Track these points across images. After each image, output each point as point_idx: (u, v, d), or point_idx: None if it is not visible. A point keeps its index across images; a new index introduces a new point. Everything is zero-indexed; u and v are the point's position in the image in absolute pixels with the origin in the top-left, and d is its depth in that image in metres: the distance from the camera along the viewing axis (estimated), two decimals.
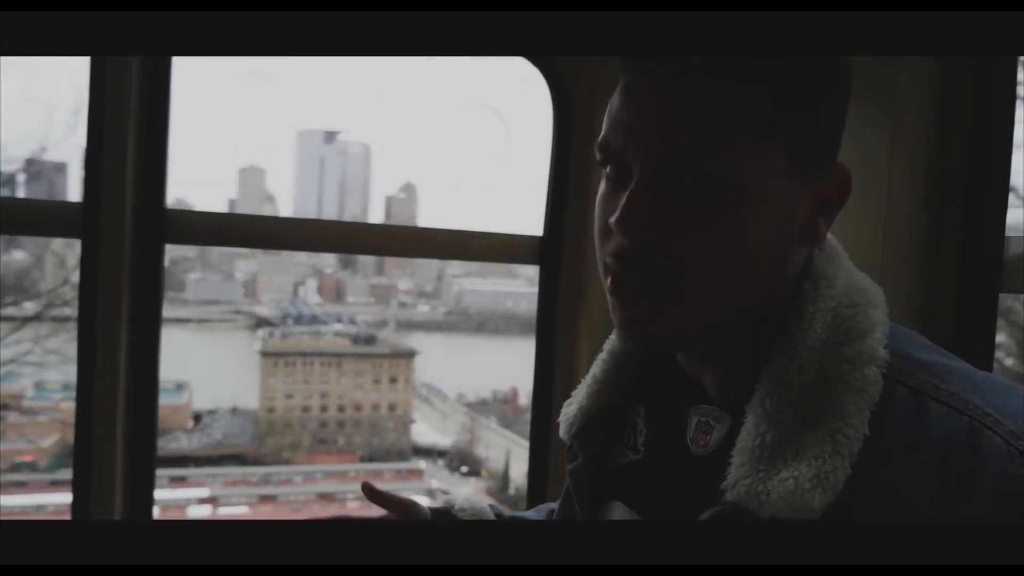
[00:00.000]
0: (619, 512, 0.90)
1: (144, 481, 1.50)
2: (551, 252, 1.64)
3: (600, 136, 0.76)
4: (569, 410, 0.95)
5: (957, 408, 0.66)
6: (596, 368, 0.95)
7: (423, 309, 48.18)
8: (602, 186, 0.78)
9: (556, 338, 1.63)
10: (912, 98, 1.15)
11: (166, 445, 31.14)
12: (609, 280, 0.76)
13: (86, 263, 1.46)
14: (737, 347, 0.79)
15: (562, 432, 0.96)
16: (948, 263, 1.14)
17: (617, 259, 0.73)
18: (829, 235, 0.80)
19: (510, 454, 34.92)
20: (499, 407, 40.37)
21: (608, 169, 0.76)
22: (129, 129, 1.42)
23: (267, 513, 28.30)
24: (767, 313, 0.76)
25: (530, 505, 1.65)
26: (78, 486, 1.47)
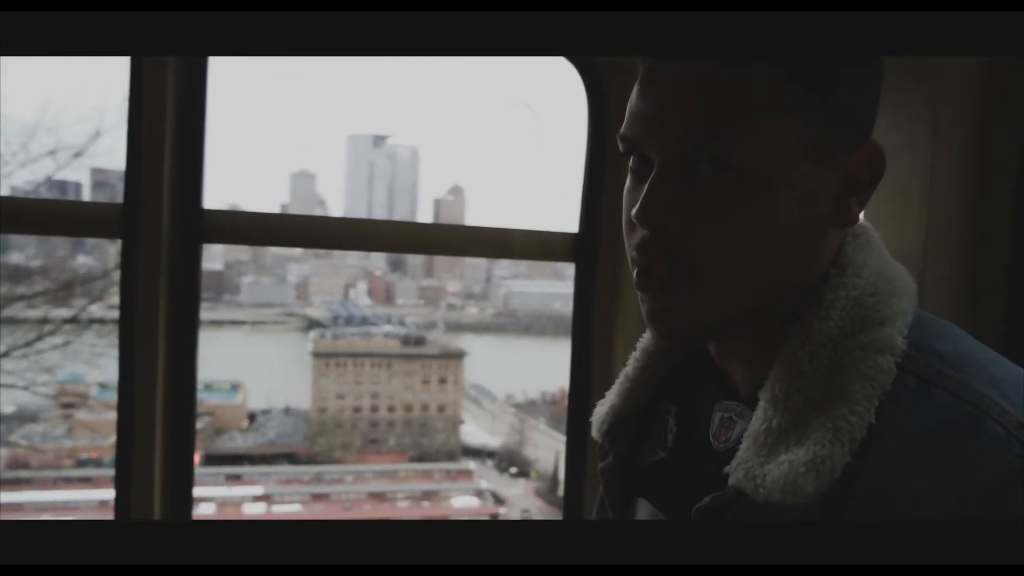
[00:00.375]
0: (644, 510, 0.90)
1: (183, 479, 1.52)
2: (586, 249, 1.62)
3: (622, 128, 0.75)
4: (601, 409, 0.95)
5: (962, 396, 0.65)
6: (629, 366, 0.94)
7: (471, 311, 48.45)
8: (628, 179, 0.77)
9: (592, 335, 1.61)
10: (957, 87, 1.11)
11: (222, 444, 31.99)
12: (635, 273, 0.75)
13: (126, 263, 1.49)
14: (765, 338, 0.76)
15: (593, 431, 0.96)
16: (996, 255, 1.09)
17: (640, 251, 0.73)
18: (865, 222, 0.78)
19: (559, 455, 34.95)
20: (547, 408, 40.34)
21: (632, 161, 0.76)
22: (166, 129, 1.44)
23: (319, 512, 28.79)
24: (796, 302, 0.75)
25: (568, 504, 1.63)
26: (120, 485, 1.50)
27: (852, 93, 0.72)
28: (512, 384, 41.19)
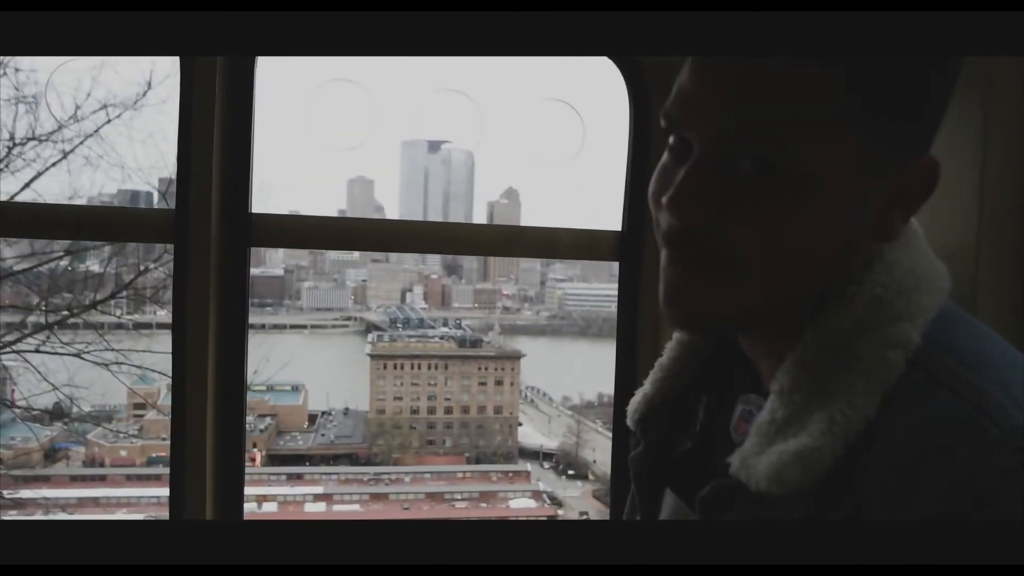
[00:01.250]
0: (669, 500, 0.91)
1: (234, 478, 1.56)
2: (631, 247, 1.60)
3: (667, 103, 0.76)
4: (635, 398, 0.99)
5: (965, 396, 0.63)
6: (664, 358, 0.98)
7: (527, 314, 48.50)
8: (664, 155, 0.79)
9: (639, 333, 1.58)
10: (1008, 86, 1.10)
11: (284, 444, 32.75)
12: (663, 253, 0.78)
13: (178, 267, 1.53)
14: (790, 333, 0.77)
15: (628, 420, 0.98)
16: None
17: (668, 237, 0.75)
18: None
19: None
20: (604, 410, 40.17)
21: (671, 139, 0.77)
22: (215, 135, 1.48)
23: (378, 511, 29.21)
24: (824, 297, 0.75)
25: (614, 502, 1.61)
26: (174, 485, 1.54)
27: (914, 108, 0.70)
28: (568, 386, 41.16)
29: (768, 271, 0.71)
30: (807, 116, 0.67)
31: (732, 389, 0.88)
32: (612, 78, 1.63)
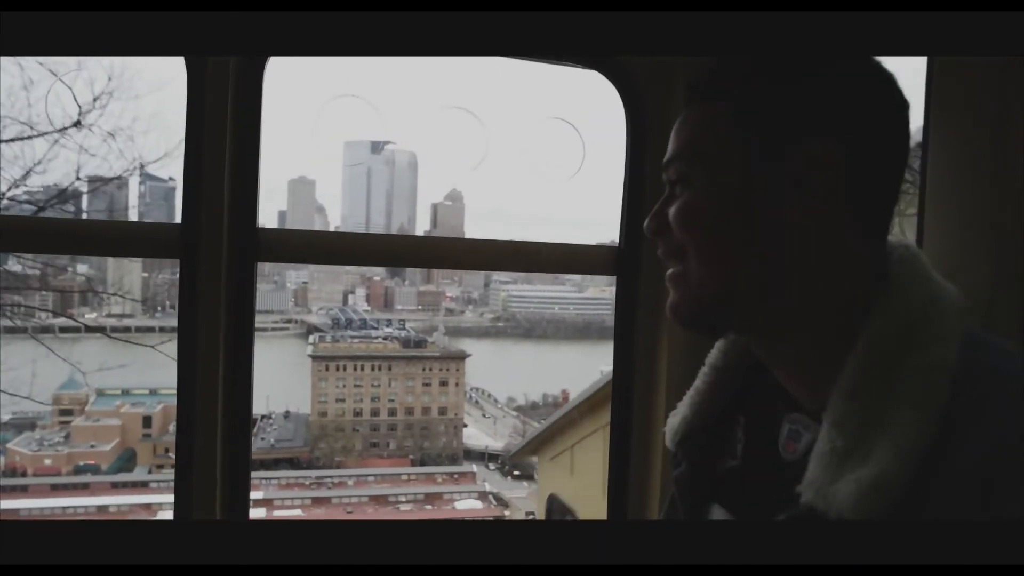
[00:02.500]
0: (717, 515, 0.96)
1: (242, 483, 1.57)
2: (628, 262, 1.66)
3: (668, 159, 0.91)
4: (674, 421, 1.02)
5: (1010, 411, 0.68)
6: (699, 381, 1.01)
7: (470, 316, 48.44)
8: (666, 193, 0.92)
9: (636, 347, 1.65)
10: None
11: None
12: (666, 256, 0.91)
13: (184, 280, 1.54)
14: (814, 354, 0.83)
15: (668, 441, 1.02)
16: None
17: (672, 246, 0.88)
18: (906, 240, 0.84)
19: None
20: (550, 411, 40.43)
21: (672, 182, 0.90)
22: (226, 153, 1.49)
23: (321, 515, 28.78)
24: (836, 317, 0.81)
25: (610, 507, 1.68)
26: (180, 487, 1.55)
27: (794, 95, 0.81)
28: (513, 387, 41.31)
29: (704, 256, 0.84)
30: (703, 138, 0.85)
31: (770, 410, 0.92)
32: (610, 96, 1.70)
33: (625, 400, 1.66)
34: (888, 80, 0.81)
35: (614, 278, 1.68)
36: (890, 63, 0.83)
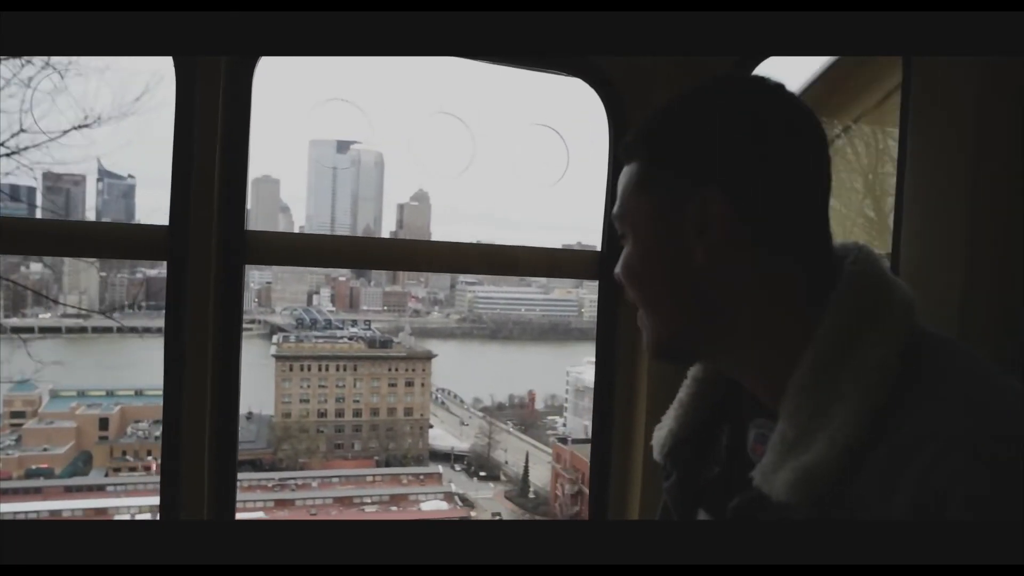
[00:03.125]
0: (703, 519, 1.00)
1: (228, 484, 1.58)
2: (611, 266, 1.70)
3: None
4: (660, 433, 1.07)
5: (948, 414, 0.72)
6: (682, 393, 1.07)
7: (437, 316, 48.29)
8: None
9: (617, 351, 1.69)
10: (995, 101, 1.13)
11: None
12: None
13: (172, 283, 1.54)
14: (770, 363, 0.88)
15: (656, 454, 1.07)
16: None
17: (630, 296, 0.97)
18: (863, 243, 0.90)
19: (529, 457, 35.02)
20: (516, 411, 40.48)
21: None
22: (216, 157, 1.50)
23: (284, 518, 28.44)
24: (781, 329, 0.87)
25: (594, 504, 1.72)
26: (166, 489, 1.55)
27: (682, 151, 0.89)
28: (479, 388, 41.24)
29: (655, 302, 0.92)
30: (627, 197, 0.93)
31: (742, 416, 0.97)
32: (593, 104, 1.74)
33: (607, 402, 1.70)
34: (778, 101, 0.89)
35: (583, 280, 1.72)
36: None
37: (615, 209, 0.96)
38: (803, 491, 0.78)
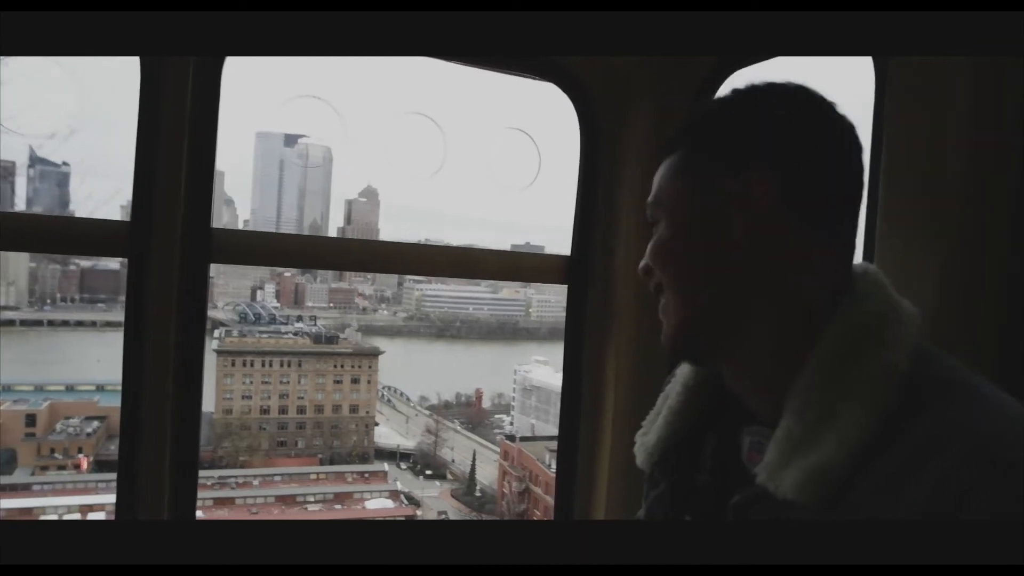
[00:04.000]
0: None
1: (188, 482, 1.55)
2: (579, 271, 1.72)
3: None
4: (647, 440, 1.06)
5: (950, 422, 0.75)
6: (672, 400, 1.06)
7: (384, 314, 47.86)
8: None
9: (584, 355, 1.71)
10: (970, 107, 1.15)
11: (115, 450, 30.20)
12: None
13: (133, 280, 1.50)
14: (770, 368, 0.90)
15: (642, 462, 1.06)
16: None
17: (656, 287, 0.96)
18: (871, 265, 0.92)
19: (476, 456, 34.96)
20: (463, 410, 40.38)
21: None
22: (183, 151, 1.47)
23: (223, 517, 27.80)
24: (795, 329, 0.88)
25: (559, 503, 1.73)
26: (123, 488, 1.52)
27: (728, 135, 0.90)
28: (426, 386, 41.01)
29: (687, 278, 0.92)
30: (667, 182, 0.95)
31: (734, 423, 0.97)
32: (565, 110, 1.75)
33: (573, 404, 1.71)
34: (821, 106, 0.90)
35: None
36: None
37: (650, 197, 0.97)
38: (811, 491, 0.79)
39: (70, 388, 31.53)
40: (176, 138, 1.46)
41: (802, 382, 0.85)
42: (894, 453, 0.76)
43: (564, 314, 1.74)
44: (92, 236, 1.51)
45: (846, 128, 0.90)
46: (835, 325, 0.85)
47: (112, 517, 1.53)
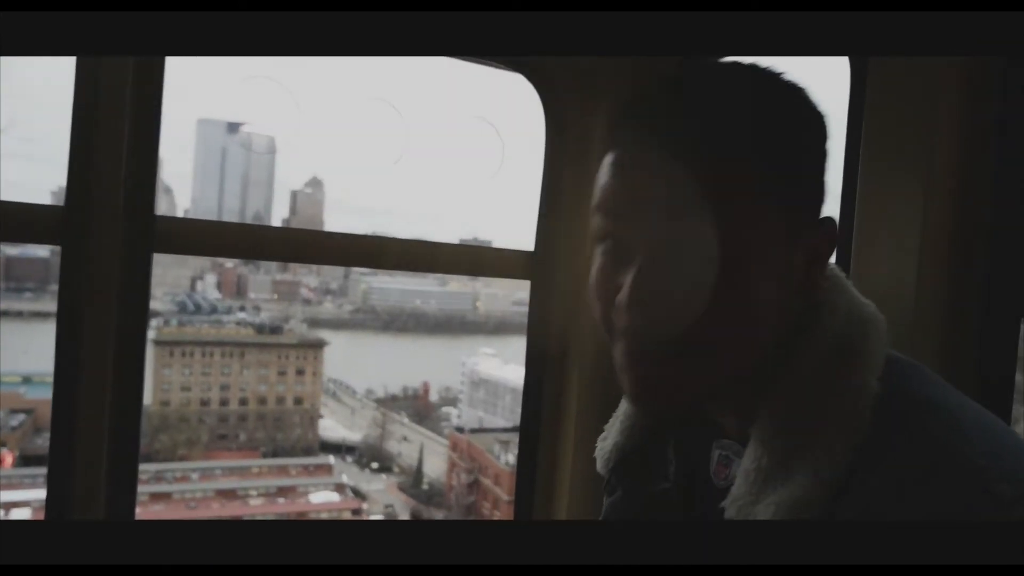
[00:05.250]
0: None
1: (128, 480, 1.46)
2: (543, 266, 1.68)
3: (597, 211, 0.78)
4: (605, 445, 1.01)
5: (930, 443, 0.70)
6: (627, 403, 1.00)
7: (329, 307, 47.28)
8: (600, 258, 0.80)
9: (547, 352, 1.67)
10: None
11: (42, 444, 29.21)
12: (622, 349, 0.78)
13: (67, 269, 1.40)
14: (739, 387, 0.82)
15: (600, 467, 1.01)
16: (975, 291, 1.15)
17: (633, 334, 0.76)
18: (834, 265, 0.85)
19: (423, 449, 34.78)
20: (409, 403, 40.14)
21: (607, 243, 0.78)
22: (124, 133, 1.37)
23: (159, 512, 27.13)
24: (769, 340, 0.79)
25: (519, 501, 1.69)
26: (55, 485, 1.42)
27: (812, 167, 0.78)
28: (372, 379, 40.63)
29: (731, 346, 0.75)
30: (732, 198, 0.72)
31: (700, 433, 0.92)
32: (530, 99, 1.70)
33: (535, 403, 1.68)
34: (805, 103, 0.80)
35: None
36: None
37: (617, 207, 0.77)
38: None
39: None
40: (116, 119, 1.37)
41: (771, 408, 0.78)
42: (874, 482, 0.71)
43: (511, 307, 1.70)
44: (20, 221, 1.40)
45: (822, 122, 0.82)
46: (805, 340, 0.79)
47: (40, 514, 1.43)
